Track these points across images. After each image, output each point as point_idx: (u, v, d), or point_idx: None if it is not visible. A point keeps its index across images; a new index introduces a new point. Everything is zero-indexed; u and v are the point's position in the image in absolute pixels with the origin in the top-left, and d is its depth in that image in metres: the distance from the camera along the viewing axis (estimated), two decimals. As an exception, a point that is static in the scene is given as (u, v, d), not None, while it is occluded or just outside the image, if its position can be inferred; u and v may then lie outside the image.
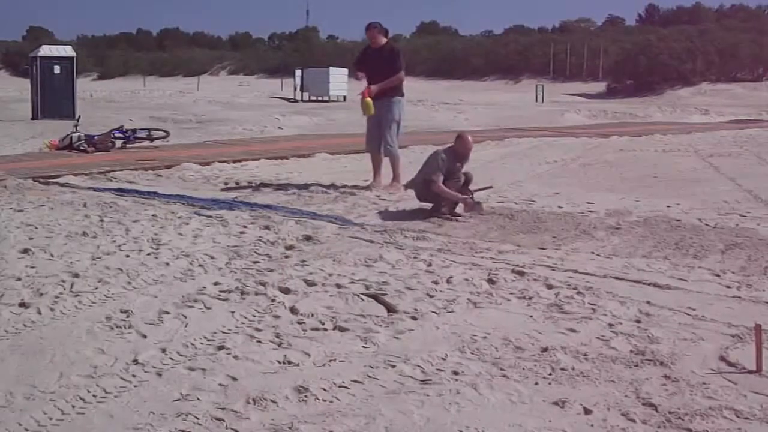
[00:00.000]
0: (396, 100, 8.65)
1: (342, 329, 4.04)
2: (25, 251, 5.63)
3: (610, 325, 4.12)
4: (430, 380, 3.39)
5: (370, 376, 3.43)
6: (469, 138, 7.43)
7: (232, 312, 4.30)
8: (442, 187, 7.06)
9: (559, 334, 3.98)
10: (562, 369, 3.51)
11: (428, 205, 7.24)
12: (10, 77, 59.83)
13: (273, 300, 4.50)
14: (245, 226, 6.55)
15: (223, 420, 3.00)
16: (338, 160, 11.76)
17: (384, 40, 8.69)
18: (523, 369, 3.51)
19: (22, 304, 4.37)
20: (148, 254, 5.59)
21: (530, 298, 4.60)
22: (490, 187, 8.20)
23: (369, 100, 8.57)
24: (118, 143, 12.84)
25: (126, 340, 3.86)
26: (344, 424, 2.97)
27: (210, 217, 6.93)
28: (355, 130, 13.85)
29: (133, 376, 3.41)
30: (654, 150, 13.61)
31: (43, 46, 21.12)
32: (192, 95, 34.60)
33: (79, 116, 14.86)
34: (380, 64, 8.59)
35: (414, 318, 4.23)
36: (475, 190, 7.43)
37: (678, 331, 4.01)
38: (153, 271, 5.11)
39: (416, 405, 3.14)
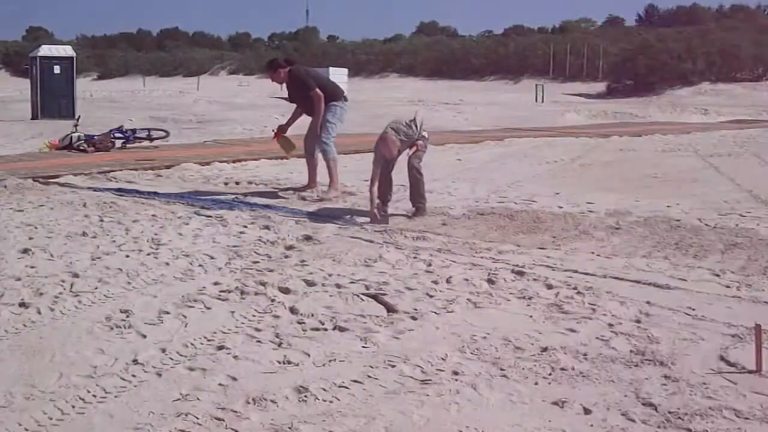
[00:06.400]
0: (330, 105, 8.41)
1: (342, 329, 4.04)
2: (25, 251, 5.63)
3: (610, 325, 4.12)
4: (430, 380, 3.39)
5: (370, 376, 3.42)
6: (388, 139, 6.93)
7: (232, 312, 4.30)
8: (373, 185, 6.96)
9: (559, 334, 3.97)
10: (562, 369, 3.50)
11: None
12: (10, 77, 59.86)
13: (273, 300, 4.50)
14: (245, 226, 6.55)
15: (223, 420, 3.00)
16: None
17: (285, 71, 8.39)
18: (523, 369, 3.51)
19: (22, 304, 4.37)
20: (148, 254, 5.58)
21: (530, 298, 4.59)
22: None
23: (283, 139, 8.89)
24: (118, 143, 12.83)
25: (126, 340, 3.86)
26: (344, 424, 2.97)
27: (210, 217, 6.93)
28: (355, 130, 13.84)
29: (133, 376, 3.41)
30: (654, 150, 13.60)
31: (43, 46, 21.15)
32: (192, 95, 34.59)
33: (79, 116, 14.87)
34: (297, 93, 8.54)
35: (414, 318, 4.23)
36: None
37: (678, 331, 4.01)
38: (153, 271, 5.11)
39: (416, 405, 3.14)
